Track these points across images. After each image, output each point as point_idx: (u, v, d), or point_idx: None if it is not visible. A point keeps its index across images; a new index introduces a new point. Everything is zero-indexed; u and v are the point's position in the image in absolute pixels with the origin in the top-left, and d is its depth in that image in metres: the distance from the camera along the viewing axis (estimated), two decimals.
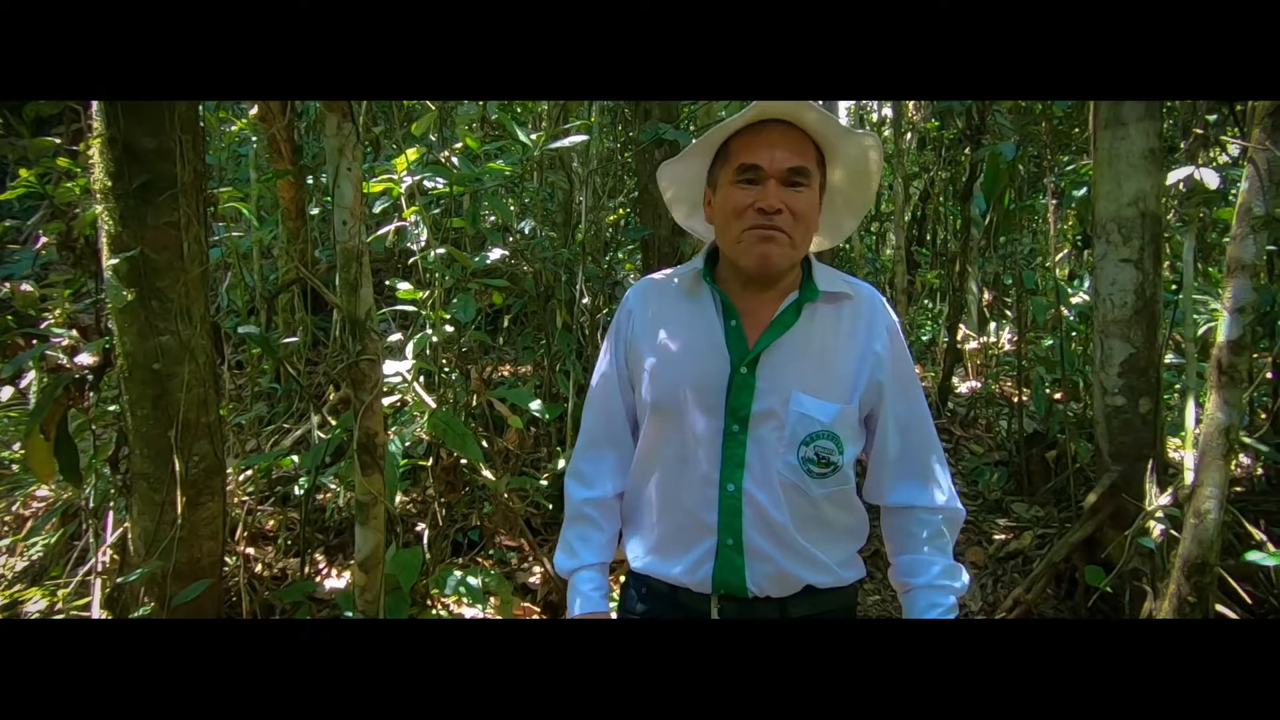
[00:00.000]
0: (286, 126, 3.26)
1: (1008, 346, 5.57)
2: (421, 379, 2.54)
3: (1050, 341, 4.08)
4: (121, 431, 2.01)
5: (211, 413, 2.00)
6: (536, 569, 2.81)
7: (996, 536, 3.28)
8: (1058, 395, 3.94)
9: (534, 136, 2.74)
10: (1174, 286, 3.49)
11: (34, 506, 2.88)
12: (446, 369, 2.80)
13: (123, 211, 1.82)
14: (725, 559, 1.09)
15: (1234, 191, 2.22)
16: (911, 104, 6.61)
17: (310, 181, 3.83)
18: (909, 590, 1.15)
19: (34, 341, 2.14)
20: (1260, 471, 3.19)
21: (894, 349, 1.13)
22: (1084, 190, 3.38)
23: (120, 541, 2.10)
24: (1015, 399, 4.00)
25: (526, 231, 3.70)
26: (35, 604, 2.13)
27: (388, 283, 2.50)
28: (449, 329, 2.51)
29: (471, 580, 2.22)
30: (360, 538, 1.64)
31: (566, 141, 2.76)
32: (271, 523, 2.86)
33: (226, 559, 2.25)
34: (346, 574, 2.63)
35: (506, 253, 2.84)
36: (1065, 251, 5.76)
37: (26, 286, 2.20)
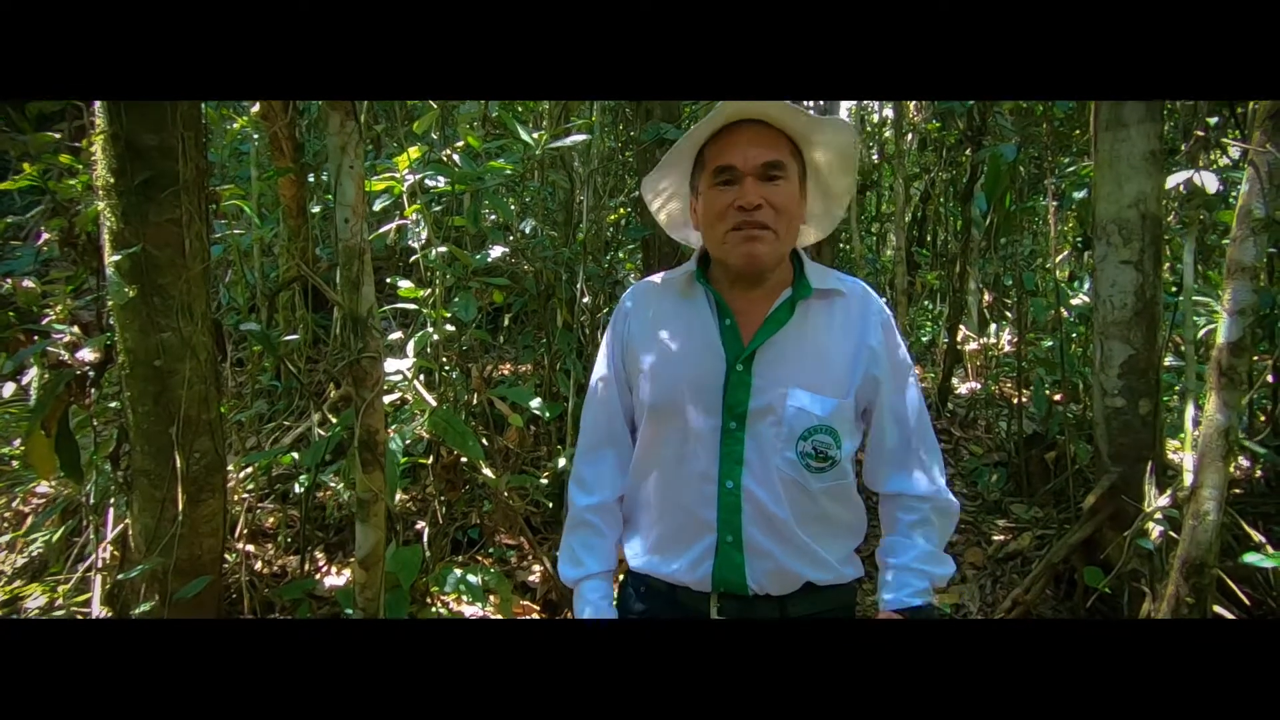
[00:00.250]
0: (288, 124, 3.26)
1: (1008, 348, 5.56)
2: (422, 377, 2.54)
3: (1050, 343, 4.07)
4: (122, 428, 2.02)
5: (212, 410, 2.00)
6: (536, 567, 2.81)
7: (996, 537, 3.29)
8: (1057, 396, 3.94)
9: (535, 135, 2.74)
10: (1174, 288, 3.49)
11: (34, 503, 2.88)
12: (447, 367, 2.80)
13: (124, 208, 1.83)
14: (725, 556, 1.09)
15: (1234, 194, 2.22)
16: (912, 105, 6.61)
17: (311, 179, 3.83)
18: (886, 569, 1.17)
19: (35, 338, 2.14)
20: (1259, 474, 3.18)
21: (888, 343, 1.14)
22: (1084, 192, 3.38)
23: (121, 538, 2.10)
24: (1015, 400, 4.00)
25: (527, 230, 3.70)
26: (35, 600, 2.13)
27: (389, 281, 2.51)
28: (450, 327, 2.51)
29: (471, 578, 2.23)
30: (360, 535, 1.64)
31: (568, 141, 2.76)
32: (272, 520, 2.87)
33: (227, 556, 2.26)
34: (346, 571, 2.63)
35: (507, 251, 2.84)
36: (1065, 253, 5.76)
37: (28, 283, 2.20)
